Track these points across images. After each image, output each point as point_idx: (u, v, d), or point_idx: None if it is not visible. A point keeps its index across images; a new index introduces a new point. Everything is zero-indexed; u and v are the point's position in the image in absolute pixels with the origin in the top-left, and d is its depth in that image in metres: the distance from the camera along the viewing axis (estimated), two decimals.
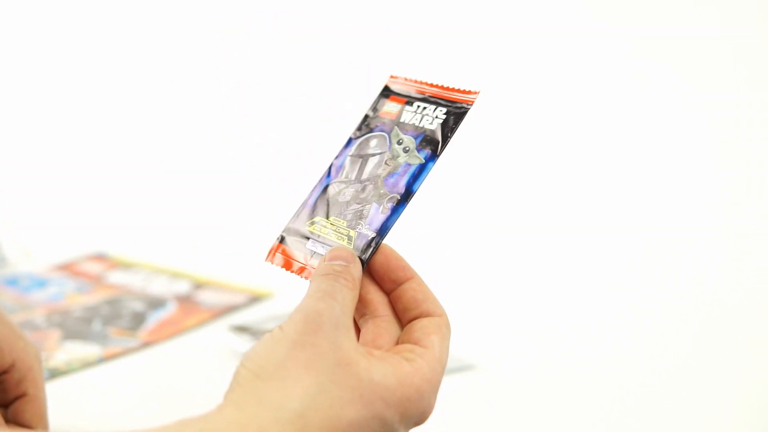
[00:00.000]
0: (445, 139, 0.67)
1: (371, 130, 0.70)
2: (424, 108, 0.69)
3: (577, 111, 1.42)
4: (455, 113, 0.68)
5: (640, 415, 0.91)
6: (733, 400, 0.94)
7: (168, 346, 1.06)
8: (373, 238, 0.65)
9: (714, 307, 1.16)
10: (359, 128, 0.70)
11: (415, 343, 0.61)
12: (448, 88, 0.70)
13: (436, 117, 0.68)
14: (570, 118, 1.42)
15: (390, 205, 0.66)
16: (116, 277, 1.27)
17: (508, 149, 1.46)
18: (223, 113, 1.59)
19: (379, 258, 0.64)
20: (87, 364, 1.00)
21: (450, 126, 0.68)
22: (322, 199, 0.68)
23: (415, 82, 0.71)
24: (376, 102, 0.71)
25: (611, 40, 1.39)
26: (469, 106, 0.68)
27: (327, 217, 0.67)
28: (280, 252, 0.67)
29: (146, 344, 1.06)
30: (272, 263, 0.67)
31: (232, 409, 0.54)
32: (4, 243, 1.32)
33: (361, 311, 0.64)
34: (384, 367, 0.57)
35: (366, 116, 0.71)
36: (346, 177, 0.69)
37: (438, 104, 0.69)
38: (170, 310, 1.16)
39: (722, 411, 0.92)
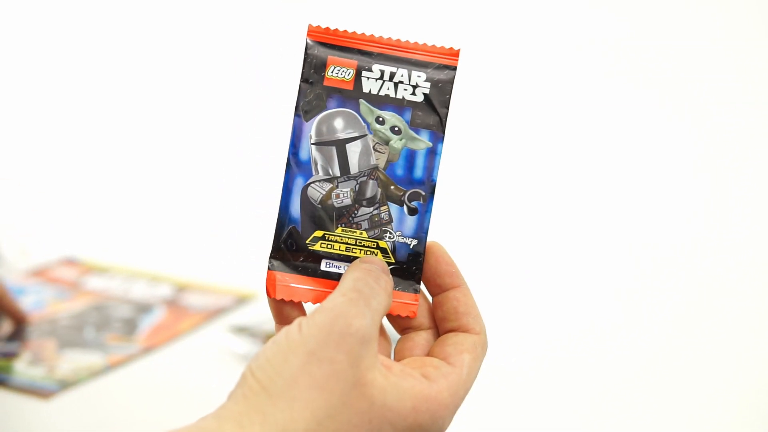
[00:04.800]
0: (443, 113, 0.58)
1: (325, 106, 0.57)
2: (392, 74, 0.58)
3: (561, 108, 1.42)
4: (440, 79, 0.58)
5: (640, 415, 0.94)
6: (732, 401, 0.97)
7: (170, 351, 1.07)
8: (415, 246, 0.58)
9: (713, 309, 1.18)
10: (303, 104, 0.57)
11: (444, 359, 0.56)
12: (407, 44, 0.58)
13: (417, 86, 0.58)
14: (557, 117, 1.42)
15: (416, 203, 0.58)
16: (94, 283, 1.26)
17: (503, 133, 1.44)
18: (191, 113, 1.58)
19: (429, 259, 0.58)
20: (94, 373, 1.00)
21: (441, 96, 0.58)
22: (306, 206, 0.57)
23: (353, 36, 0.58)
24: (310, 65, 0.57)
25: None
26: (453, 68, 0.58)
27: (333, 230, 0.58)
28: (282, 282, 0.57)
29: (147, 349, 1.06)
30: (278, 298, 0.57)
31: (234, 425, 0.50)
32: (1, 242, 1.30)
33: (405, 325, 0.59)
34: (401, 390, 0.52)
35: (304, 87, 0.58)
36: (327, 173, 0.58)
37: (409, 67, 0.58)
38: (159, 314, 1.16)
39: (722, 412, 0.95)
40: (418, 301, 0.58)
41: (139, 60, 1.60)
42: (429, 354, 0.58)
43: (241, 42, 1.55)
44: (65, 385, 0.97)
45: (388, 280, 0.56)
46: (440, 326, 0.59)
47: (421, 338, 0.59)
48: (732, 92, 1.30)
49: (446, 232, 0.69)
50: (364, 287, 0.54)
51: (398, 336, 0.60)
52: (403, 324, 0.59)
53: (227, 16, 1.56)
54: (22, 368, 0.99)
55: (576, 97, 1.39)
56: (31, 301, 1.19)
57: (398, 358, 0.58)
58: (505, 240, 1.35)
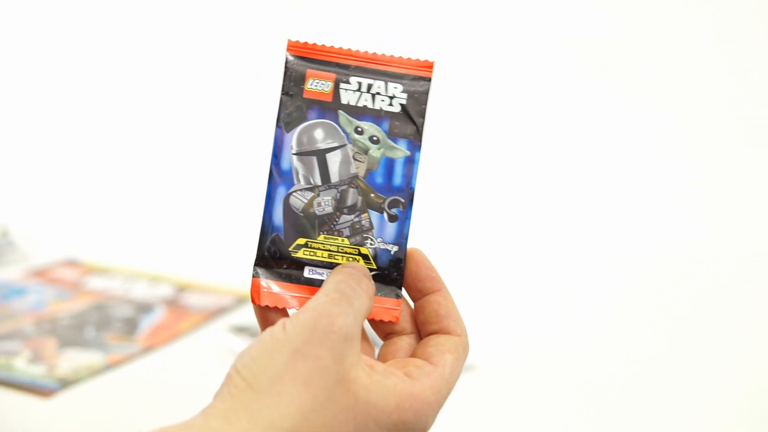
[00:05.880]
0: (420, 123, 0.59)
1: (305, 117, 0.59)
2: (370, 85, 0.59)
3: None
4: (416, 90, 0.60)
5: (639, 415, 0.94)
6: (731, 402, 0.98)
7: (170, 350, 1.07)
8: (396, 252, 0.59)
9: (711, 310, 1.18)
10: (284, 116, 0.59)
11: (426, 359, 0.57)
12: (383, 58, 0.60)
13: (393, 96, 0.59)
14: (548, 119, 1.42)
15: (396, 210, 0.59)
16: (94, 283, 1.26)
17: (500, 138, 1.44)
18: (191, 115, 1.59)
19: (410, 265, 0.59)
20: (94, 372, 1.00)
21: (418, 107, 0.59)
22: (289, 215, 0.58)
23: (331, 50, 0.60)
24: (290, 78, 0.59)
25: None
26: (428, 80, 0.60)
27: (315, 237, 0.59)
28: (267, 289, 0.58)
29: (147, 349, 1.06)
30: (262, 304, 0.58)
31: (221, 421, 0.50)
32: (12, 230, 1.31)
33: (387, 330, 0.60)
34: (385, 387, 0.53)
35: (285, 99, 0.59)
36: (308, 183, 0.59)
37: (386, 79, 0.60)
38: (160, 314, 1.16)
39: (721, 413, 0.95)
40: (400, 306, 0.59)
41: (141, 61, 1.61)
42: (412, 355, 0.59)
43: (243, 48, 1.55)
44: (65, 383, 0.97)
45: (369, 283, 0.57)
46: (422, 329, 0.60)
47: (404, 343, 0.60)
48: (725, 93, 1.30)
49: (426, 238, 0.70)
50: (347, 288, 0.55)
51: (381, 342, 0.60)
52: (385, 329, 0.60)
53: (220, 29, 1.57)
54: (23, 366, 1.00)
55: (555, 102, 1.40)
56: (31, 301, 1.19)
57: (382, 361, 0.59)
58: (484, 245, 1.36)
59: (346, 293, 0.54)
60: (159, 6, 1.62)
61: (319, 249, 0.59)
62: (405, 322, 0.60)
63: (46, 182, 1.59)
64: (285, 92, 0.59)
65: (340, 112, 0.59)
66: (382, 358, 0.59)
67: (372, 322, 0.60)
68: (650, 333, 1.13)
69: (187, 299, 1.21)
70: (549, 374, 1.03)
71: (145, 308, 1.18)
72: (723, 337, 1.11)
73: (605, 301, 1.23)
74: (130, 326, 1.12)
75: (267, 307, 0.58)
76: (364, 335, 0.59)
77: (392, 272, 0.59)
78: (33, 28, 1.65)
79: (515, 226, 1.38)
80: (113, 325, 1.12)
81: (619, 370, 1.04)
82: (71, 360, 1.02)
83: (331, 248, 0.59)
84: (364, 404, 0.52)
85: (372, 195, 0.59)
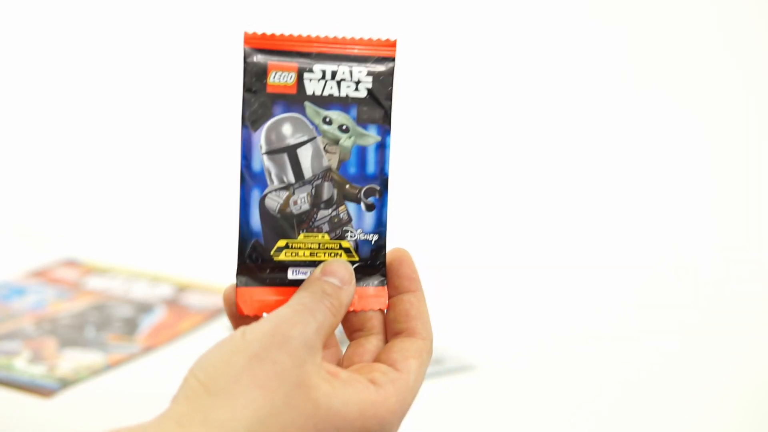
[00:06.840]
0: (388, 106, 0.58)
1: (270, 113, 0.57)
2: (334, 72, 0.57)
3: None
4: (381, 72, 0.58)
5: (639, 417, 0.94)
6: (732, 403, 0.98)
7: (170, 351, 1.07)
8: (377, 241, 0.59)
9: (715, 315, 1.18)
10: (249, 114, 0.57)
11: (391, 365, 0.57)
12: (345, 41, 0.58)
13: (359, 81, 0.58)
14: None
15: (372, 198, 0.59)
16: (94, 283, 1.26)
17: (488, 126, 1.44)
18: (192, 114, 1.59)
19: (392, 262, 0.60)
20: (94, 372, 1.00)
21: (384, 89, 0.58)
22: (266, 218, 0.57)
23: (291, 39, 0.57)
24: (251, 74, 0.56)
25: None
26: (392, 59, 0.58)
27: (295, 237, 0.58)
28: (252, 298, 0.57)
29: (147, 349, 1.06)
30: (251, 314, 0.57)
31: (174, 425, 0.50)
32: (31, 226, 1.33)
33: (357, 327, 0.60)
34: (347, 395, 0.53)
35: (248, 97, 0.57)
36: (282, 181, 0.57)
37: (350, 63, 0.58)
38: (160, 314, 1.16)
39: (722, 414, 0.95)
40: (386, 294, 0.59)
41: (141, 58, 1.61)
42: (376, 360, 0.58)
43: (197, 45, 1.55)
44: (66, 383, 0.97)
45: (333, 302, 0.56)
46: (389, 327, 0.60)
47: (371, 345, 0.60)
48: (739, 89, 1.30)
49: (406, 230, 0.71)
50: (310, 302, 0.55)
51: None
52: (354, 326, 0.60)
53: (172, 25, 1.56)
54: (23, 366, 1.00)
55: (534, 75, 1.37)
56: (31, 301, 1.20)
57: (347, 364, 0.59)
58: (477, 239, 1.35)
59: (308, 305, 0.55)
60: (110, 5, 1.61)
61: (300, 248, 0.58)
62: (375, 320, 0.60)
63: (46, 182, 1.59)
64: (247, 89, 0.57)
65: (307, 103, 0.57)
66: (348, 359, 0.59)
67: (353, 313, 0.59)
68: (651, 333, 1.13)
69: (187, 299, 1.21)
70: (548, 375, 1.03)
71: (145, 308, 1.18)
72: (726, 340, 1.11)
73: (605, 300, 1.23)
74: (130, 326, 1.12)
75: (247, 316, 0.57)
76: (334, 342, 0.59)
77: (375, 261, 0.59)
78: (28, 28, 1.65)
79: (503, 216, 1.37)
80: (113, 325, 1.12)
81: (619, 371, 1.04)
82: (71, 360, 1.02)
83: (313, 246, 0.58)
84: (325, 411, 0.52)
85: (347, 186, 0.58)
